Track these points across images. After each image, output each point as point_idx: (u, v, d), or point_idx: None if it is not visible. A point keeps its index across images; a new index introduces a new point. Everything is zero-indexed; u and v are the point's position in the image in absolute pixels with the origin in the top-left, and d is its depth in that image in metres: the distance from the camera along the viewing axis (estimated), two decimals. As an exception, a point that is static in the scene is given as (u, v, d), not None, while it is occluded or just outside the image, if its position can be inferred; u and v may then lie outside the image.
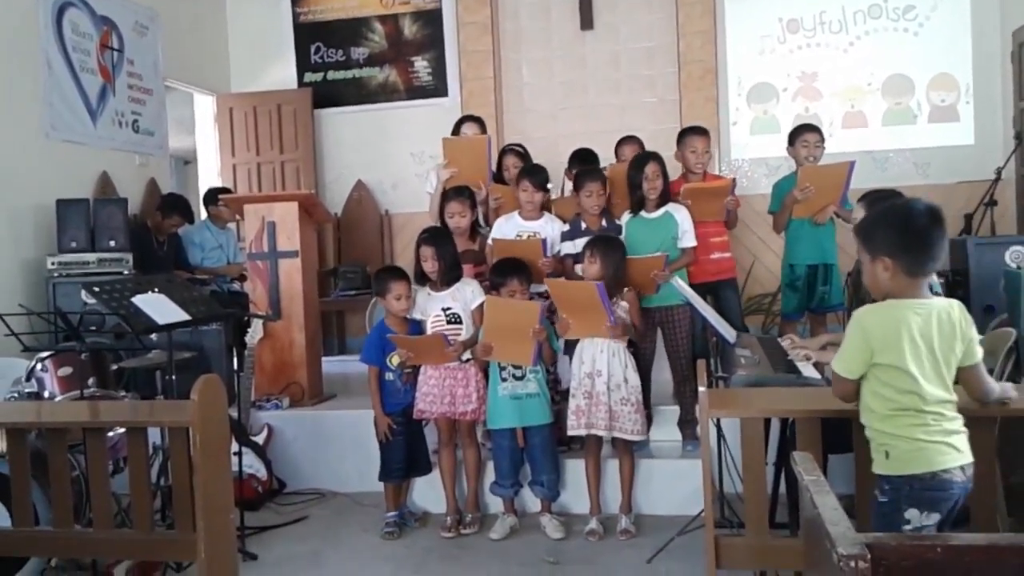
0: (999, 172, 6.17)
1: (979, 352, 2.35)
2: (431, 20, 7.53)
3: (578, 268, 4.12)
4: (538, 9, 7.40)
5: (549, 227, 4.34)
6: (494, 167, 4.86)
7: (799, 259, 4.87)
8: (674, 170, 4.76)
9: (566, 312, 3.83)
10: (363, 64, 7.68)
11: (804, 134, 4.86)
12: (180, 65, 7.13)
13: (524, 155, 4.90)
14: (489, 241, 4.39)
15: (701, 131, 4.74)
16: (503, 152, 5.00)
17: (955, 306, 2.32)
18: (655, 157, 4.31)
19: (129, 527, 3.41)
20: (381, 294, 4.09)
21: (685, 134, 4.76)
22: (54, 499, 3.27)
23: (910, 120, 6.89)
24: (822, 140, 4.86)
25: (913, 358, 2.24)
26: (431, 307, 4.08)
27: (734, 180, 4.54)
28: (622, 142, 5.16)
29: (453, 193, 4.38)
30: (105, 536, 3.21)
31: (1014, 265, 4.96)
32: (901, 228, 2.29)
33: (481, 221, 4.66)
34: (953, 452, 2.26)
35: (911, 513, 2.27)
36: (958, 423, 2.30)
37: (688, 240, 4.26)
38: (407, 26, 7.59)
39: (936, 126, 6.85)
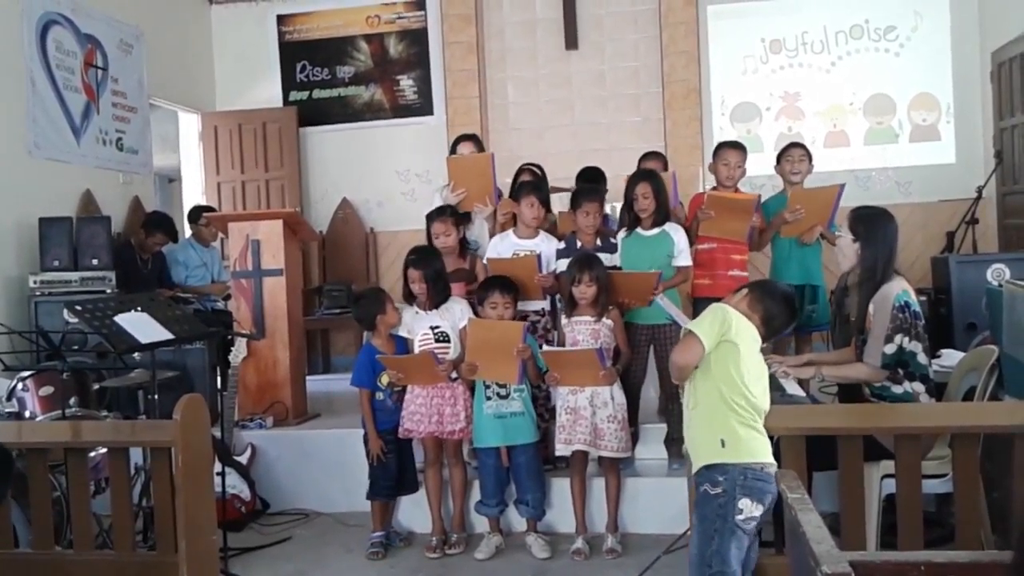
0: (980, 191, 6.24)
1: None
2: (416, 39, 7.57)
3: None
4: (523, 29, 7.44)
5: (545, 245, 4.31)
6: (503, 184, 4.82)
7: (786, 279, 4.86)
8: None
9: (559, 371, 3.83)
10: (349, 83, 7.70)
11: (788, 150, 4.88)
12: (165, 83, 7.12)
13: (540, 175, 4.82)
14: (484, 261, 4.35)
15: (735, 145, 4.72)
16: (520, 171, 4.88)
17: None
18: (649, 177, 4.28)
19: (110, 549, 3.38)
20: (381, 311, 4.07)
21: (720, 147, 4.74)
22: (34, 520, 3.24)
23: (892, 139, 6.96)
24: (806, 154, 4.85)
25: (750, 352, 2.62)
26: (418, 326, 4.08)
27: (759, 196, 4.53)
28: (644, 157, 5.15)
29: (435, 214, 4.36)
30: (86, 558, 3.18)
31: (995, 283, 5.00)
32: (779, 307, 2.77)
33: (471, 237, 4.62)
34: (768, 450, 2.55)
35: (744, 503, 2.46)
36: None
37: (683, 259, 4.23)
38: (392, 45, 7.62)
39: (918, 145, 6.92)
